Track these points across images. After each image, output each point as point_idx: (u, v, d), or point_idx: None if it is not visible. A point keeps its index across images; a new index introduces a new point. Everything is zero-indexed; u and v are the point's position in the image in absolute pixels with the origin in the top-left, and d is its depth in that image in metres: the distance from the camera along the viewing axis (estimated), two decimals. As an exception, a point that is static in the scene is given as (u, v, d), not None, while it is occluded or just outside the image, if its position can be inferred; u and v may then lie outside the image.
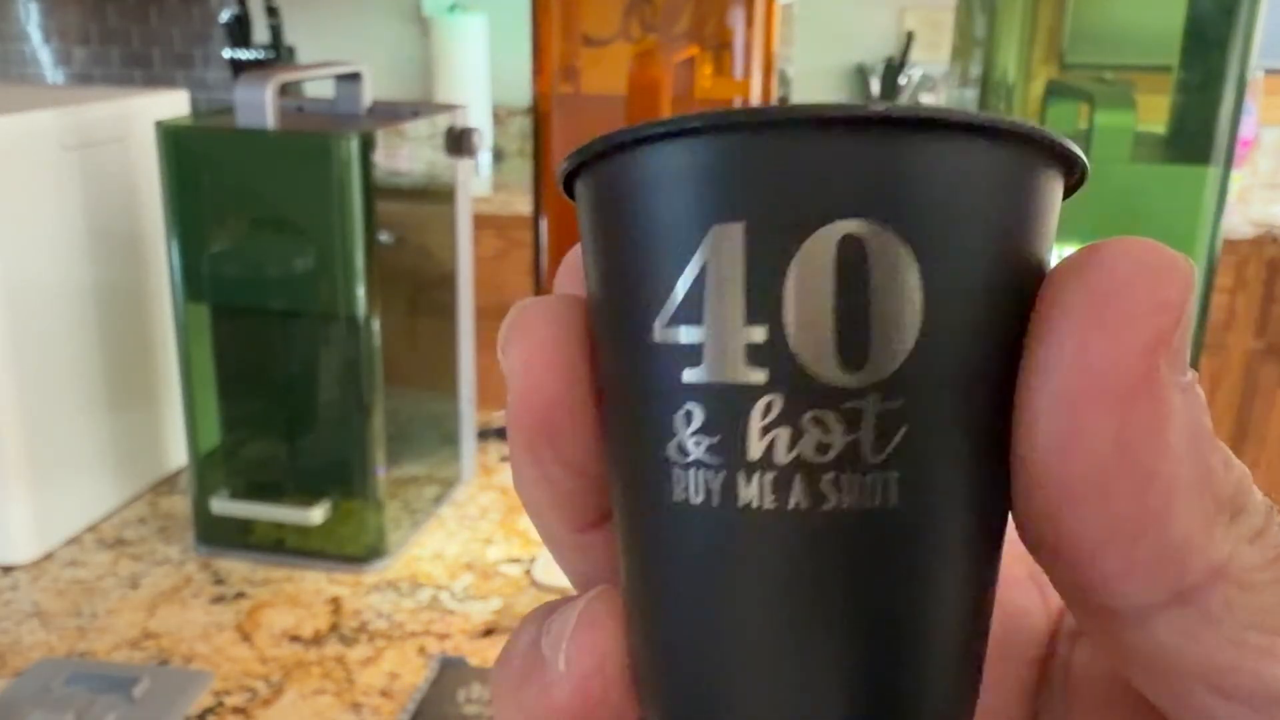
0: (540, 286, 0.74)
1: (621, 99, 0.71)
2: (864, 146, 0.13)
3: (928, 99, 2.49)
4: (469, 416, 0.93)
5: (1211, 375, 2.12)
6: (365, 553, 0.79)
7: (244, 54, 2.46)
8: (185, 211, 0.74)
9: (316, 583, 0.78)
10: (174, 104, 0.90)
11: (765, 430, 0.14)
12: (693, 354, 0.14)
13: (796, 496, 0.14)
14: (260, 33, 2.48)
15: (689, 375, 0.14)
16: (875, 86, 2.49)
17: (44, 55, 2.74)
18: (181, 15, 2.66)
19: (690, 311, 0.14)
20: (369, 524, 0.79)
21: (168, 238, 0.74)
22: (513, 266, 2.10)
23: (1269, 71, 2.42)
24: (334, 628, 0.72)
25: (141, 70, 2.71)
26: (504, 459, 0.99)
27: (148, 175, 0.86)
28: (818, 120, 0.13)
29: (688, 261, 0.14)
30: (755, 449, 0.14)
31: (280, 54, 2.47)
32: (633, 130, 0.14)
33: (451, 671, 0.66)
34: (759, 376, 0.13)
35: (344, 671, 0.68)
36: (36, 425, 0.78)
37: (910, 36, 2.46)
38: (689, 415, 0.14)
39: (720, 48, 0.70)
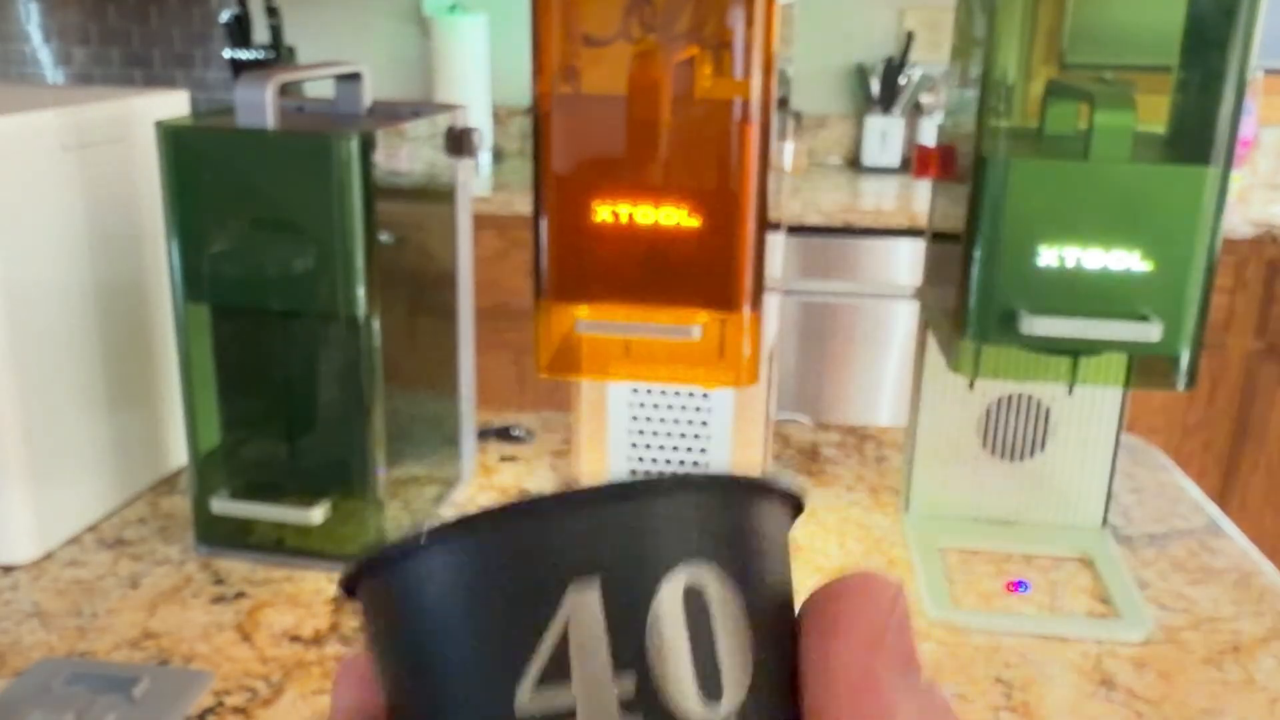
0: (540, 286, 0.74)
1: (621, 99, 0.71)
2: (700, 503, 0.15)
3: (927, 99, 2.49)
4: (469, 416, 0.93)
5: (1211, 375, 2.12)
6: (365, 553, 0.79)
7: (244, 54, 2.46)
8: (185, 211, 0.74)
9: (316, 582, 0.78)
10: (174, 104, 0.90)
11: None
12: (563, 715, 0.14)
13: None
14: (260, 33, 2.48)
15: None
16: (875, 86, 2.49)
17: (44, 55, 2.74)
18: (182, 15, 2.66)
19: (554, 673, 0.14)
20: (369, 524, 0.79)
21: (168, 238, 0.74)
22: (513, 266, 2.10)
23: (1268, 71, 2.42)
24: (334, 627, 0.72)
25: (142, 70, 2.71)
26: (504, 459, 0.99)
27: (148, 175, 0.86)
28: (660, 487, 0.15)
29: (546, 627, 0.14)
30: None
31: (280, 54, 2.47)
32: (461, 521, 0.15)
33: (451, 671, 0.66)
34: None
35: (344, 671, 0.68)
36: (37, 425, 0.78)
37: (910, 36, 2.46)
38: None
39: (720, 48, 0.70)
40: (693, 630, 0.15)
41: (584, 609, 0.14)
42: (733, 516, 0.16)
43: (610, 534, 0.15)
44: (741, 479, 0.17)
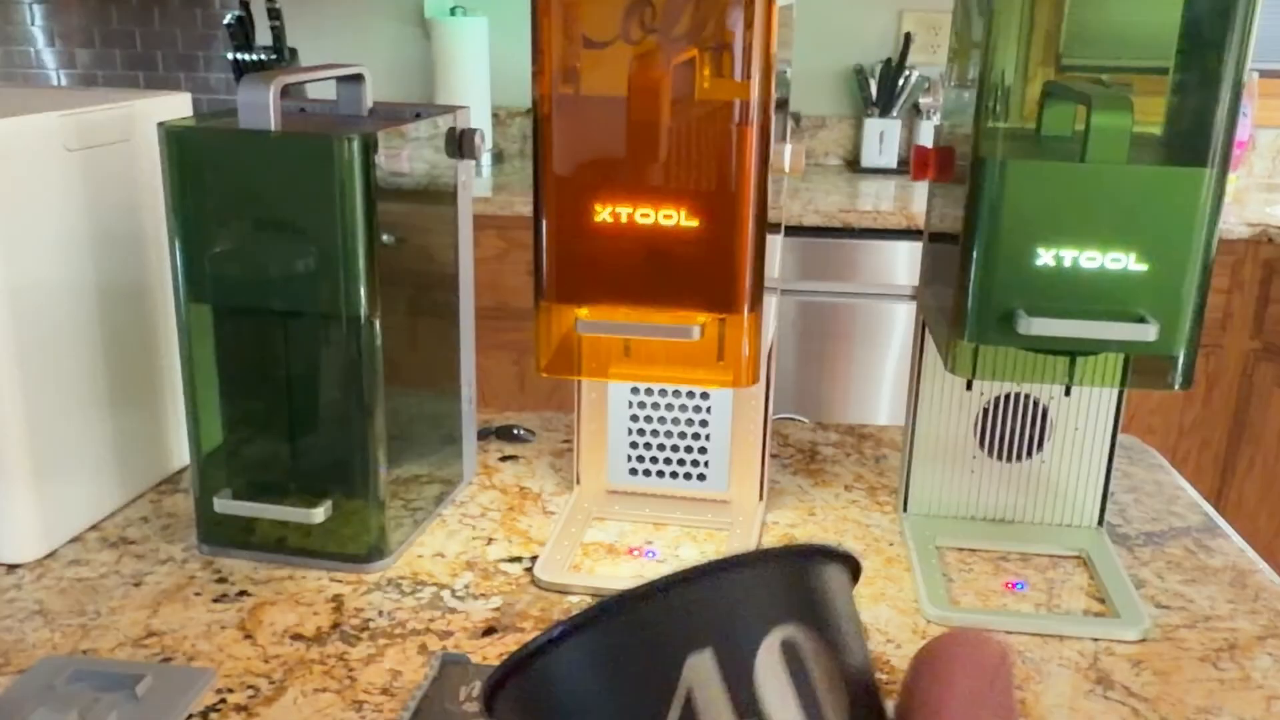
0: (540, 287, 0.75)
1: (621, 100, 0.71)
2: (780, 572, 0.18)
3: (925, 100, 2.50)
4: (470, 416, 0.93)
5: (1208, 375, 2.13)
6: (367, 551, 0.79)
7: (246, 56, 2.46)
8: (188, 212, 0.74)
9: (318, 581, 0.78)
10: (177, 106, 0.90)
11: None
12: None
13: None
14: (263, 35, 2.49)
15: None
16: (873, 88, 2.50)
17: (48, 57, 2.74)
18: (184, 18, 2.66)
19: None
20: (370, 523, 0.79)
21: (170, 238, 0.75)
22: (513, 267, 2.11)
23: (1264, 73, 2.42)
24: (336, 626, 0.73)
25: (145, 72, 2.71)
26: (505, 458, 0.99)
27: (151, 176, 0.86)
28: (744, 563, 0.18)
29: (672, 694, 0.17)
30: None
31: (282, 56, 2.47)
32: (584, 615, 0.18)
33: (453, 669, 0.66)
34: None
35: (346, 669, 0.68)
36: (40, 425, 0.79)
37: (908, 38, 2.47)
38: None
39: (720, 49, 0.70)
40: (794, 676, 0.18)
41: (702, 675, 0.17)
42: (808, 580, 0.19)
43: (713, 608, 0.18)
44: (810, 548, 0.20)
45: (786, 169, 0.78)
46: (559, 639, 0.18)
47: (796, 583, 0.19)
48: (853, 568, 0.21)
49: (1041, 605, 0.77)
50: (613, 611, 0.18)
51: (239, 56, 2.46)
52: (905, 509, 0.89)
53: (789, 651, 0.18)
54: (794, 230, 2.09)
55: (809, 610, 0.19)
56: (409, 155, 0.79)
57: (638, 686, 0.17)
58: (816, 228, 2.10)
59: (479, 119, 2.47)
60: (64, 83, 2.73)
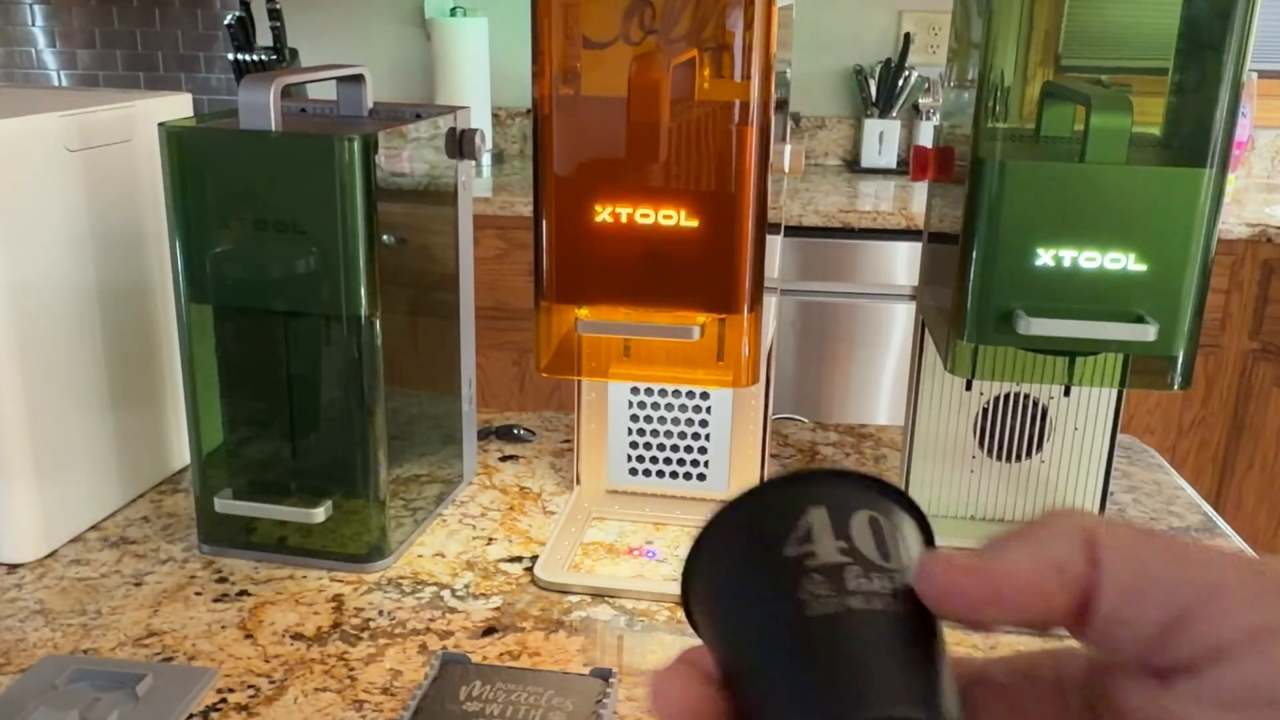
0: (540, 287, 0.75)
1: (621, 101, 0.71)
2: (874, 489, 0.30)
3: (925, 101, 2.50)
4: (470, 416, 0.93)
5: (1207, 375, 2.13)
6: (367, 551, 0.79)
7: (247, 57, 2.46)
8: (188, 212, 0.74)
9: (319, 581, 0.78)
10: (177, 106, 0.91)
11: (856, 579, 0.27)
12: (810, 555, 0.28)
13: (879, 604, 0.27)
14: (263, 36, 2.49)
15: (810, 562, 0.28)
16: (873, 89, 2.50)
17: (49, 58, 2.74)
18: (185, 18, 2.67)
19: (804, 539, 0.28)
20: (371, 523, 0.79)
21: (171, 238, 0.75)
22: (513, 267, 2.11)
23: (1263, 73, 2.43)
24: (336, 625, 0.73)
25: (145, 73, 2.71)
26: (505, 458, 0.99)
27: (151, 177, 0.86)
28: (857, 478, 0.30)
29: (797, 525, 0.28)
30: (853, 585, 0.27)
31: (283, 57, 2.47)
32: (768, 484, 0.30)
33: (453, 669, 0.67)
34: (846, 559, 0.28)
35: (346, 669, 0.68)
36: (41, 424, 0.79)
37: (908, 39, 2.47)
38: (812, 577, 0.27)
39: (720, 50, 0.70)
40: (874, 531, 0.29)
41: (818, 516, 0.29)
42: (889, 503, 0.30)
43: (831, 489, 0.30)
44: (901, 493, 0.31)
45: (786, 169, 0.78)
46: (739, 502, 0.29)
47: (883, 498, 0.30)
48: (926, 528, 0.31)
49: (1041, 605, 0.77)
50: (772, 486, 0.30)
51: (239, 57, 2.46)
52: (905, 509, 0.89)
53: (873, 522, 0.29)
54: (794, 230, 2.09)
55: (890, 512, 0.30)
56: (409, 156, 0.79)
57: (779, 520, 0.29)
58: (816, 228, 2.10)
59: (479, 119, 2.48)
60: (65, 83, 2.74)
